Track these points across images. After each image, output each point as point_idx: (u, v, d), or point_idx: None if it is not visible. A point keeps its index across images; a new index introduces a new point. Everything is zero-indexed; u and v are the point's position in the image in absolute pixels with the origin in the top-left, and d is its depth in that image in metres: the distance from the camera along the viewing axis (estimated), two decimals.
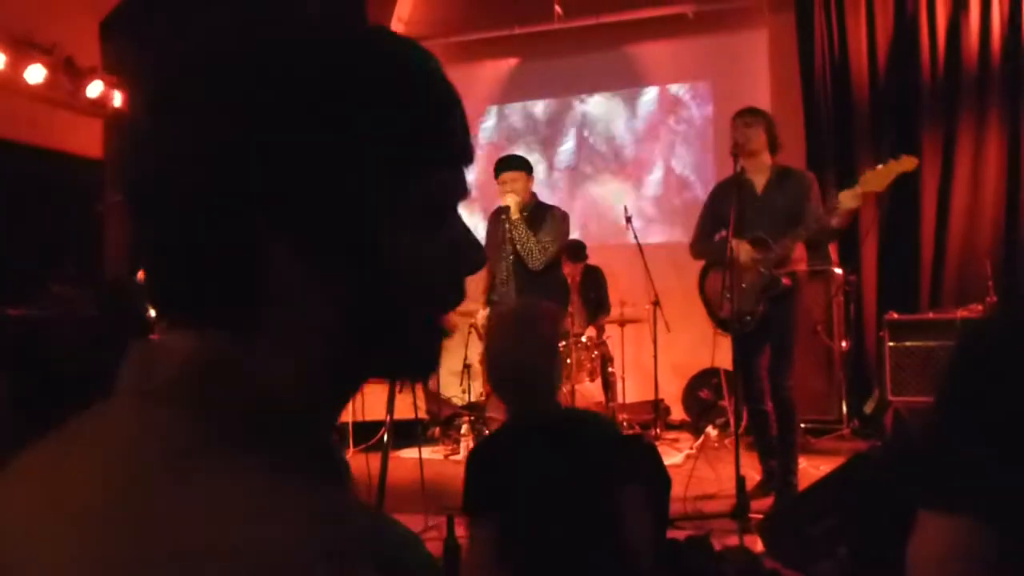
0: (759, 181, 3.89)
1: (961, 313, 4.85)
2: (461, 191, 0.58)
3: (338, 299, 0.52)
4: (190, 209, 0.49)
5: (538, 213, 4.32)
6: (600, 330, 5.87)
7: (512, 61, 7.43)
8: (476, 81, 7.54)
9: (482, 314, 4.60)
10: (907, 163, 3.61)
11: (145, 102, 0.54)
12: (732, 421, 4.36)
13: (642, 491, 1.90)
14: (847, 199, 3.57)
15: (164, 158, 0.50)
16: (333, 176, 0.50)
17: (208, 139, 0.49)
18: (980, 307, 4.89)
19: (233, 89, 0.50)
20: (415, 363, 0.58)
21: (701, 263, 4.12)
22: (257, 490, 0.44)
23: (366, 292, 0.52)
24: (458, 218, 0.58)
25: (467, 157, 0.58)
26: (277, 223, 0.49)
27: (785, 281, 3.74)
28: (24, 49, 6.34)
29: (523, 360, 1.89)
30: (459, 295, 0.59)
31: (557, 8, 6.73)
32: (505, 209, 4.31)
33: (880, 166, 3.65)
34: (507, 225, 4.27)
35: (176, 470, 0.45)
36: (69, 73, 6.79)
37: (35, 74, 6.42)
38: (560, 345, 2.01)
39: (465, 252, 0.58)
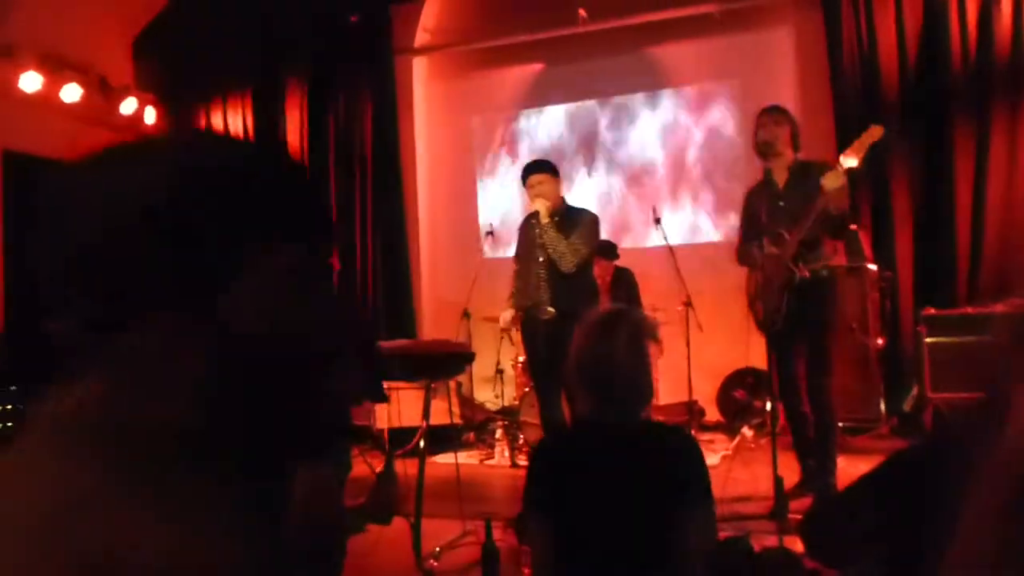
0: (781, 179, 3.90)
1: (1000, 307, 4.77)
2: (318, 263, 0.67)
3: (208, 358, 0.60)
4: (83, 278, 0.59)
5: (569, 217, 4.33)
6: None
7: (537, 66, 7.45)
8: (501, 87, 7.57)
9: (506, 315, 4.62)
10: (875, 132, 3.64)
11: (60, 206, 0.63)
12: (769, 421, 4.33)
13: (705, 512, 1.89)
14: (828, 180, 3.57)
15: (72, 238, 0.60)
16: (201, 256, 0.60)
17: (99, 229, 0.59)
18: (1020, 300, 4.80)
19: (126, 194, 0.60)
20: (280, 416, 0.65)
21: (735, 264, 4.14)
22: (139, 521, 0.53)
23: (233, 351, 0.61)
24: (320, 286, 0.66)
25: (322, 234, 0.68)
26: (156, 294, 0.59)
27: (801, 273, 3.71)
28: (59, 69, 6.50)
29: (616, 365, 1.88)
30: (314, 357, 0.66)
31: (581, 12, 6.74)
32: (535, 214, 4.33)
33: (855, 142, 3.65)
34: (537, 230, 4.28)
35: (78, 506, 0.53)
36: (103, 92, 6.94)
37: (71, 93, 6.57)
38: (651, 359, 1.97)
39: (322, 319, 0.66)
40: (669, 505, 1.82)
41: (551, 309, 4.24)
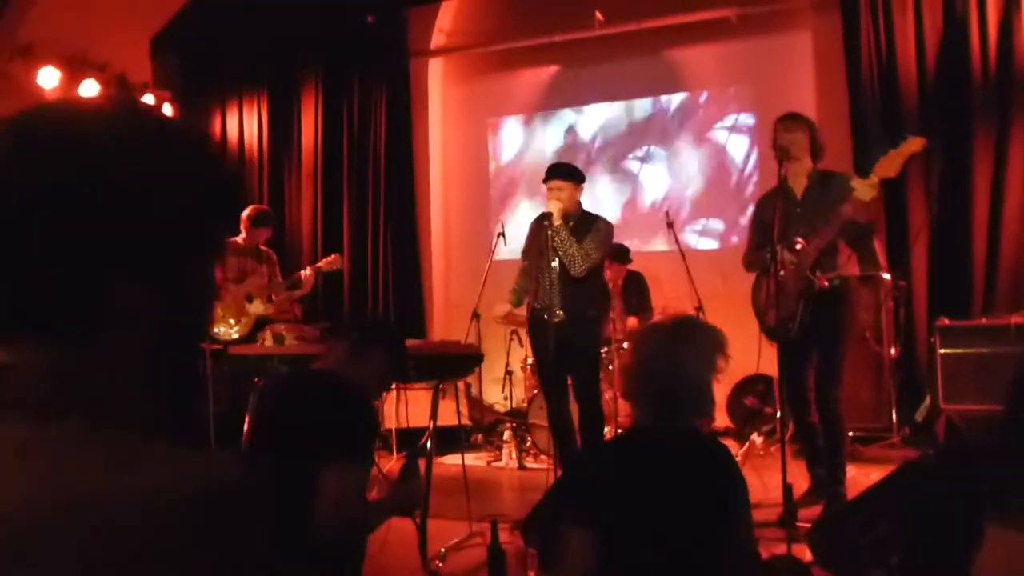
0: (799, 186, 3.87)
1: (1016, 319, 4.72)
2: (221, 248, 0.80)
3: (158, 320, 0.67)
4: (58, 250, 0.62)
5: (583, 223, 4.32)
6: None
7: (553, 69, 7.44)
8: (517, 89, 7.57)
9: (501, 308, 4.64)
10: (915, 144, 3.55)
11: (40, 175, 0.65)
12: (779, 428, 4.31)
13: (750, 518, 1.89)
14: (863, 190, 3.51)
15: (45, 211, 0.63)
16: (161, 237, 0.66)
17: (77, 209, 0.63)
18: None
19: (97, 181, 0.64)
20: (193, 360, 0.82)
21: (744, 268, 4.10)
22: (115, 462, 0.58)
23: (176, 316, 0.69)
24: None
25: (232, 225, 0.83)
26: (122, 268, 0.64)
27: (821, 283, 3.68)
28: (78, 67, 6.54)
29: (688, 375, 1.87)
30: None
31: (598, 15, 6.73)
32: (548, 216, 4.32)
33: (891, 151, 3.57)
34: (549, 232, 4.27)
35: (49, 456, 0.58)
36: (122, 89, 6.99)
37: (89, 91, 6.61)
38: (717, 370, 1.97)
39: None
40: (722, 511, 1.85)
41: (560, 312, 4.23)
